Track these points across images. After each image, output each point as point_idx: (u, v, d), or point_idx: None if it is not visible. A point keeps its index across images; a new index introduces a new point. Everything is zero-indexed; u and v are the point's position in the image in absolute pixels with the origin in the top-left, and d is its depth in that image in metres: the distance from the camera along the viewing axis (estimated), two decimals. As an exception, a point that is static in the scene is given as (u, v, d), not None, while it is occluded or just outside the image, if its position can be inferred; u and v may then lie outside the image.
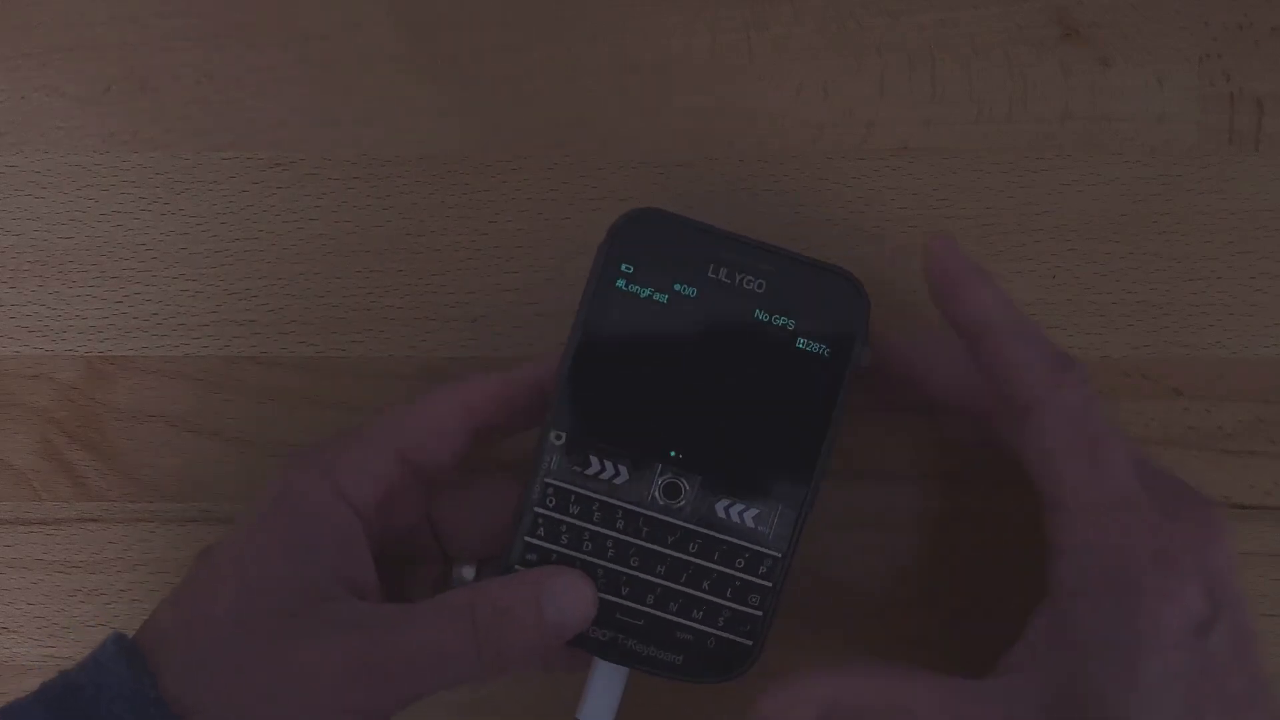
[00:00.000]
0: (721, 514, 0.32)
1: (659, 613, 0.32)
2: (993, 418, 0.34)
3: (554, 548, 0.32)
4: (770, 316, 0.32)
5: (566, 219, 0.38)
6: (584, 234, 0.37)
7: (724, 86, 0.38)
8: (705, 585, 0.32)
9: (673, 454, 0.32)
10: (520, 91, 0.39)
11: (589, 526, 0.32)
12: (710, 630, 0.32)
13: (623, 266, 0.32)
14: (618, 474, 0.32)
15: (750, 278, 0.32)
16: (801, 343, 0.32)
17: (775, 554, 0.32)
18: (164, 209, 0.39)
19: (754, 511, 0.32)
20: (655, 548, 0.32)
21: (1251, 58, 0.38)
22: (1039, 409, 0.30)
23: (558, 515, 0.32)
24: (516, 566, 0.32)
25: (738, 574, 0.32)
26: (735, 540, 0.32)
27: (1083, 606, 0.30)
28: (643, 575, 0.32)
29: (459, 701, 0.39)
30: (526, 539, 0.32)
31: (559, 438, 0.32)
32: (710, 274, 0.32)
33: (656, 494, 0.32)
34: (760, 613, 0.32)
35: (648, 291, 0.32)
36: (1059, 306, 0.38)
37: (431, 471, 0.33)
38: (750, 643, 0.32)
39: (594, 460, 0.32)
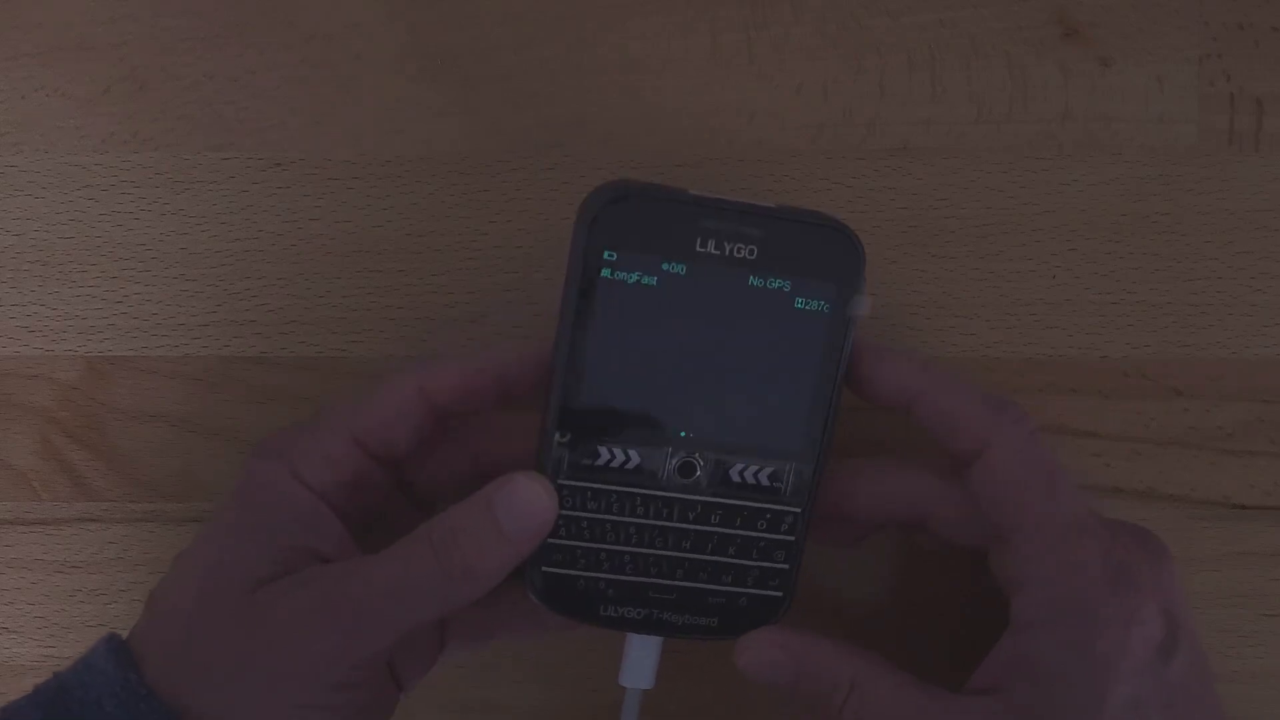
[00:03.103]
0: (736, 478, 0.32)
1: (690, 584, 0.33)
2: (926, 520, 0.34)
3: (578, 544, 0.32)
4: (765, 281, 0.31)
5: (566, 219, 0.38)
6: (578, 236, 0.37)
7: (724, 86, 0.38)
8: (731, 551, 0.32)
9: (683, 434, 0.32)
10: (520, 91, 0.39)
11: (610, 518, 0.32)
12: (741, 590, 0.33)
13: (605, 254, 0.31)
14: (628, 459, 0.32)
15: (740, 245, 0.31)
16: (800, 302, 0.32)
17: (795, 509, 0.32)
18: (164, 209, 0.39)
19: (769, 470, 0.32)
20: (678, 525, 0.32)
21: (1251, 58, 0.38)
22: (986, 450, 0.31)
23: (577, 513, 0.32)
24: (544, 569, 0.32)
25: (761, 535, 0.32)
26: (755, 504, 0.32)
27: (1045, 636, 0.30)
28: (670, 553, 0.32)
29: (459, 701, 0.39)
30: (550, 541, 0.32)
31: (564, 437, 0.32)
32: (698, 248, 0.31)
33: (671, 474, 0.32)
34: (787, 566, 0.33)
35: (635, 276, 0.31)
36: (1059, 306, 0.38)
37: (392, 456, 0.33)
38: (781, 594, 0.33)
39: (603, 450, 0.32)
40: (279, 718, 0.30)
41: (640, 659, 0.33)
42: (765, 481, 0.32)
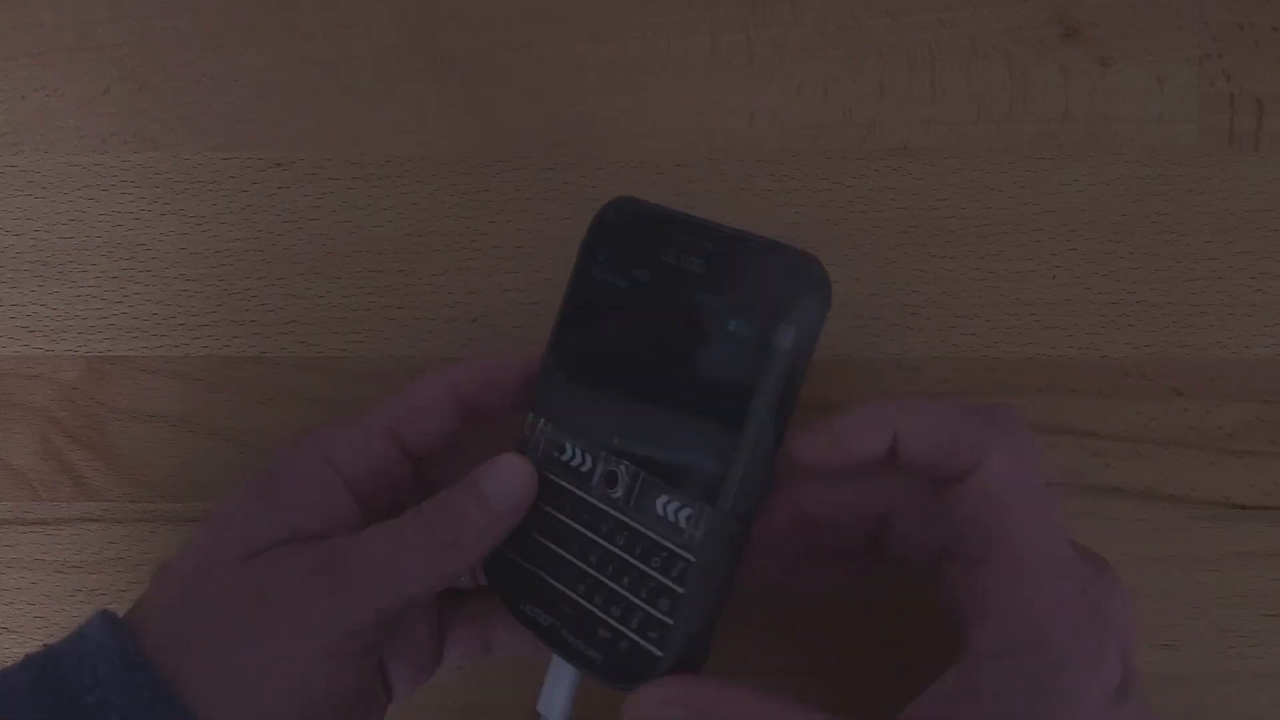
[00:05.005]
0: (660, 510, 0.30)
1: (585, 603, 0.31)
2: (885, 524, 0.32)
3: (525, 528, 0.33)
4: (708, 297, 0.30)
5: (566, 219, 0.38)
6: (584, 234, 0.37)
7: (724, 86, 0.38)
8: (625, 581, 0.30)
9: (615, 441, 0.31)
10: (520, 91, 0.39)
11: (545, 509, 0.32)
12: (624, 631, 0.30)
13: (599, 255, 0.32)
14: (584, 461, 0.32)
15: (693, 258, 0.30)
16: (731, 324, 0.29)
17: (689, 557, 0.29)
18: (164, 209, 0.39)
19: (688, 511, 0.29)
20: (589, 535, 0.31)
21: (1251, 58, 0.38)
22: (978, 469, 0.29)
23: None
24: (507, 554, 0.33)
25: (652, 573, 0.30)
26: (656, 537, 0.30)
27: (1004, 669, 0.29)
28: (577, 562, 0.31)
29: (459, 702, 0.39)
30: None
31: (546, 424, 0.33)
32: (662, 257, 0.31)
33: (598, 481, 0.31)
34: (670, 621, 0.29)
35: (613, 277, 0.32)
36: (1059, 306, 0.38)
37: (420, 448, 0.34)
38: (659, 653, 0.29)
39: (569, 447, 0.32)
40: (269, 685, 0.30)
41: (554, 686, 0.32)
42: (678, 519, 0.29)
